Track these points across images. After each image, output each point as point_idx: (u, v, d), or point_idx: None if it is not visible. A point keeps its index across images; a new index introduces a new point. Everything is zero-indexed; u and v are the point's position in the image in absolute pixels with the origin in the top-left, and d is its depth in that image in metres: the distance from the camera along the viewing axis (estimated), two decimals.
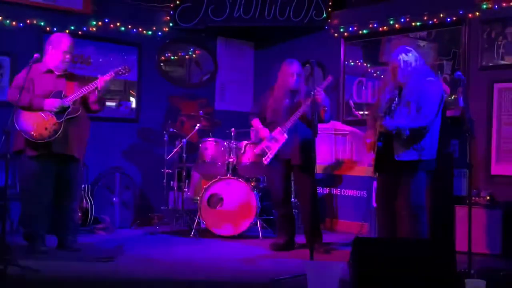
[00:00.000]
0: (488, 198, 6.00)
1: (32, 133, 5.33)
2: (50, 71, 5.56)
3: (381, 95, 5.10)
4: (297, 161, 5.94)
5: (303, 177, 5.93)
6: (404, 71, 4.94)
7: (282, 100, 6.00)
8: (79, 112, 5.52)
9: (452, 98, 6.64)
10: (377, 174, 5.23)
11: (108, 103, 7.04)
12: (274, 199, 6.23)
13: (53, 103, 5.39)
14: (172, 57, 8.30)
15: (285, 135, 5.90)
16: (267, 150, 5.97)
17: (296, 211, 6.71)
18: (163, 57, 8.14)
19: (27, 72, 5.10)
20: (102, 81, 5.53)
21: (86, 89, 5.52)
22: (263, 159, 6.00)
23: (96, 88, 5.53)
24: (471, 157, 4.68)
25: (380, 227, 5.31)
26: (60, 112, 5.42)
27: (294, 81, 5.98)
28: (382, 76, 5.25)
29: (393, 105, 4.91)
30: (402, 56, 4.97)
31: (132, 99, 7.78)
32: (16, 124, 5.27)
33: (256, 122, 6.23)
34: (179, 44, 8.31)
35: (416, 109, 4.86)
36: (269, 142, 5.97)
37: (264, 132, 6.05)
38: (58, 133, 5.38)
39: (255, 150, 6.17)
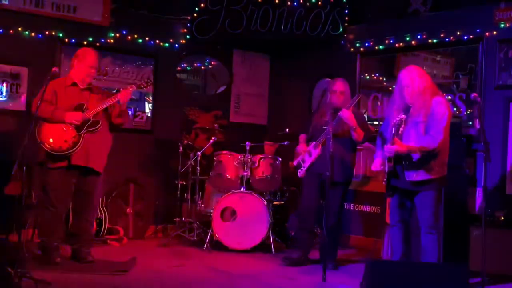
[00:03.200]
0: (502, 218, 5.95)
1: (52, 145, 5.39)
2: (74, 84, 5.64)
3: (389, 117, 5.08)
4: (328, 176, 5.93)
5: (332, 192, 5.90)
6: (412, 92, 4.92)
7: (324, 117, 6.05)
8: (99, 125, 5.56)
9: (468, 113, 6.62)
10: (389, 194, 5.21)
11: None
12: (299, 211, 6.29)
13: (74, 116, 5.46)
14: (188, 69, 8.33)
15: (318, 150, 5.94)
16: (302, 163, 6.07)
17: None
18: (179, 69, 8.18)
19: (46, 85, 5.16)
20: (123, 94, 5.59)
21: (107, 102, 5.59)
22: (298, 171, 6.09)
23: (118, 101, 5.59)
24: (486, 177, 4.66)
25: (393, 245, 5.30)
26: (81, 125, 5.47)
27: (337, 98, 5.99)
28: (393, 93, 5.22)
29: (401, 127, 4.86)
30: (410, 76, 4.95)
31: (148, 110, 7.82)
32: (37, 136, 5.36)
33: (301, 137, 6.33)
34: (195, 56, 8.34)
35: (424, 130, 4.85)
36: (304, 155, 6.07)
37: (301, 146, 6.16)
38: (78, 146, 5.44)
39: (293, 163, 6.25)
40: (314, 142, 6.01)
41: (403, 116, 4.81)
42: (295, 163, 6.20)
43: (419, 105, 4.88)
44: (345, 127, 5.90)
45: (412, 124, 4.87)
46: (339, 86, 6.02)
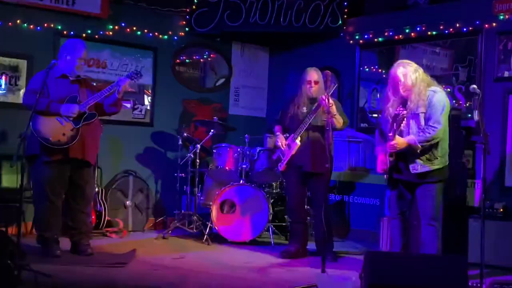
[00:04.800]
0: (501, 210, 5.96)
1: (50, 138, 5.37)
2: (64, 76, 5.61)
3: (386, 112, 5.06)
4: (309, 168, 5.96)
5: (315, 184, 5.97)
6: (404, 85, 4.92)
7: (300, 108, 6.04)
8: (96, 117, 5.57)
9: (467, 105, 6.62)
10: (390, 186, 5.21)
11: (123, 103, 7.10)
12: (288, 206, 6.26)
13: (70, 109, 5.44)
14: (187, 61, 8.33)
15: (297, 142, 5.93)
16: (281, 157, 6.03)
17: (309, 218, 6.69)
18: (178, 61, 8.18)
19: (45, 77, 5.13)
20: (124, 83, 5.56)
21: (102, 93, 5.57)
22: (278, 165, 6.06)
23: (116, 90, 5.57)
24: (485, 169, 4.67)
25: (393, 237, 5.31)
26: (77, 118, 5.46)
27: (311, 88, 5.99)
28: (387, 90, 5.20)
29: (402, 122, 4.85)
30: (401, 70, 4.95)
31: (147, 103, 7.81)
32: (33, 129, 5.32)
33: (276, 129, 6.28)
34: (194, 48, 8.34)
35: (423, 120, 4.86)
36: (284, 148, 6.01)
37: (279, 139, 6.09)
38: (76, 139, 5.42)
39: (272, 157, 6.21)
40: (292, 134, 5.99)
41: (404, 111, 4.78)
42: (274, 157, 6.17)
43: (415, 97, 4.88)
44: (323, 116, 5.88)
45: (411, 116, 4.88)
46: (313, 75, 6.02)
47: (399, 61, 5.15)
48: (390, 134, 4.81)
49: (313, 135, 5.97)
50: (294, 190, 6.15)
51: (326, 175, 5.85)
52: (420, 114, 4.86)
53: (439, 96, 4.90)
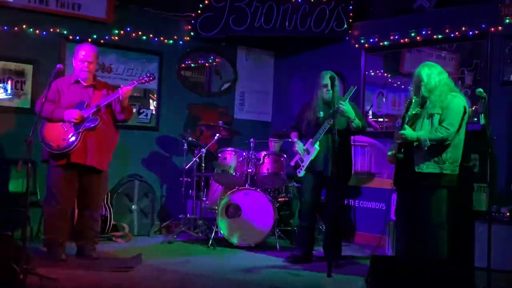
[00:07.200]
0: (508, 214, 5.92)
1: (51, 143, 5.41)
2: (77, 82, 5.64)
3: (407, 111, 5.05)
4: (328, 173, 5.92)
5: (333, 189, 5.90)
6: (427, 85, 4.93)
7: (316, 112, 6.02)
8: (97, 122, 5.53)
9: (473, 109, 6.59)
10: (396, 187, 5.19)
11: None
12: (301, 210, 6.24)
13: (72, 114, 5.45)
14: (192, 66, 8.34)
15: (316, 147, 5.91)
16: (300, 162, 6.01)
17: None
18: (183, 66, 8.19)
19: (50, 83, 5.16)
20: (124, 90, 5.57)
21: (106, 99, 5.57)
22: (297, 171, 6.04)
23: (118, 97, 5.57)
24: (491, 173, 4.64)
25: (399, 241, 5.29)
26: (79, 123, 5.46)
27: (327, 92, 5.97)
28: (409, 88, 5.22)
29: (417, 119, 4.87)
30: (425, 70, 4.96)
31: (152, 107, 7.82)
32: (39, 135, 5.37)
33: (293, 135, 6.27)
34: (199, 53, 8.35)
35: (439, 121, 4.85)
36: (302, 154, 6.00)
37: (298, 145, 6.09)
38: (75, 144, 5.42)
39: (290, 163, 6.19)
40: (310, 140, 5.98)
41: (420, 108, 4.82)
42: (292, 163, 6.14)
43: (434, 98, 4.88)
44: (343, 120, 5.86)
45: (427, 116, 4.88)
46: (328, 79, 6.01)
47: (426, 62, 5.15)
48: (401, 125, 4.84)
49: (334, 140, 5.92)
50: (310, 195, 6.10)
51: (345, 179, 5.87)
52: (435, 114, 4.85)
53: (459, 101, 4.89)
